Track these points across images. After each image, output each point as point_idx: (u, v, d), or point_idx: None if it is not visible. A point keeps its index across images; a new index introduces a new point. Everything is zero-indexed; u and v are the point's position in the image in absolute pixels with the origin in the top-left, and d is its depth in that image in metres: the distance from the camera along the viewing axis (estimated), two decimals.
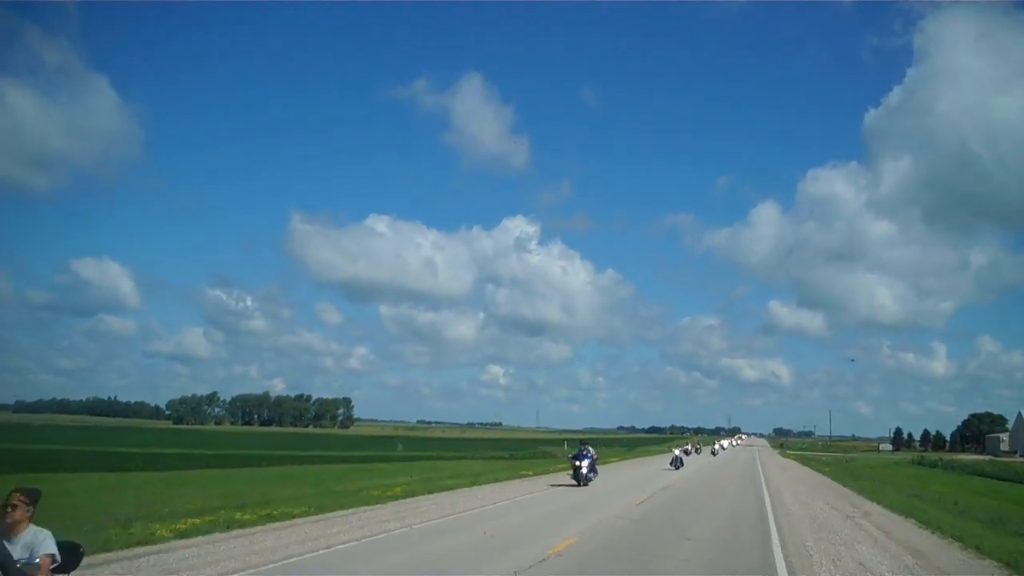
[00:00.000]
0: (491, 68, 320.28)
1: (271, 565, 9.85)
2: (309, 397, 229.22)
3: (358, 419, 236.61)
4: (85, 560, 6.45)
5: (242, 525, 13.42)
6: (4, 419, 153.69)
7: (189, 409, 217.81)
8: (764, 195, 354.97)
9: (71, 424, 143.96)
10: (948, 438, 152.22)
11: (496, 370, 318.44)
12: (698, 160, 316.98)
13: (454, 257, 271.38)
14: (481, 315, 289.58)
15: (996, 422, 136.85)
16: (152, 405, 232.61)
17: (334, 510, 16.46)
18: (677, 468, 38.99)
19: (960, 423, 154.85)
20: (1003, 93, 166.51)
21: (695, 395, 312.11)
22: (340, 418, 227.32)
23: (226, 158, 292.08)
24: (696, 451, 70.02)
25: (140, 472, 31.49)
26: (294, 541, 11.80)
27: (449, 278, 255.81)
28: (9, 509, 5.65)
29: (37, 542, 5.62)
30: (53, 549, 5.68)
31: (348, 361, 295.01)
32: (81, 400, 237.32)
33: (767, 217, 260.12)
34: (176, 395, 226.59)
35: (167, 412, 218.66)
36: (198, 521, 13.21)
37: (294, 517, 14.95)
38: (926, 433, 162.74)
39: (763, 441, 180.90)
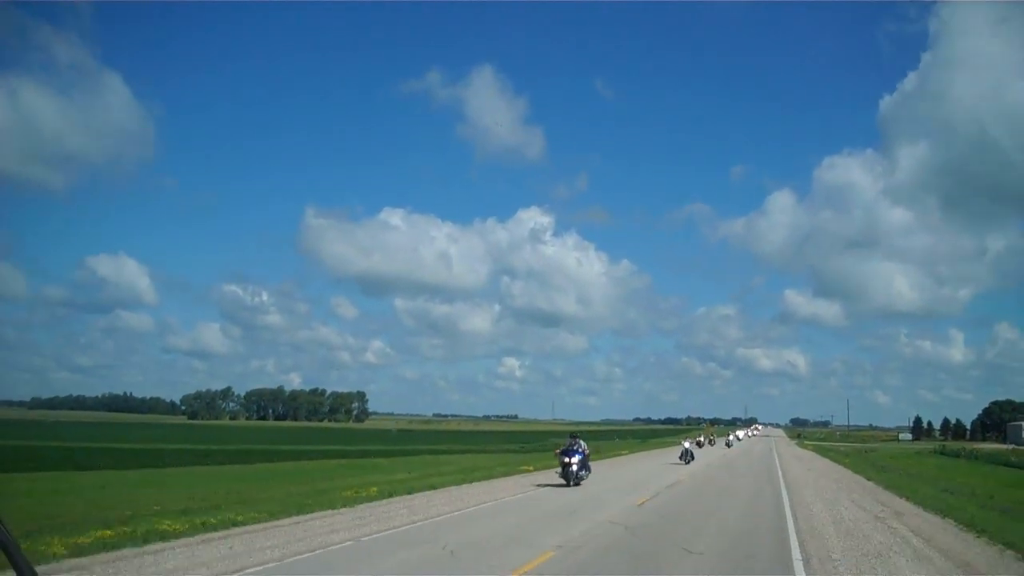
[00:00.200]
0: (504, 60, 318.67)
1: None
2: (324, 391, 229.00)
3: (373, 413, 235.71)
4: None
5: (164, 537, 11.40)
6: (19, 415, 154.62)
7: (204, 404, 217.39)
8: (779, 184, 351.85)
9: (84, 420, 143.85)
10: (968, 427, 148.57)
11: (512, 362, 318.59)
12: (713, 150, 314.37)
13: (469, 249, 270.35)
14: (496, 307, 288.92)
15: (1017, 410, 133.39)
16: (168, 401, 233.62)
17: (289, 515, 14.48)
18: (687, 462, 36.41)
19: (980, 411, 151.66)
20: (1020, 77, 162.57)
21: (711, 385, 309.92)
22: (355, 412, 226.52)
23: (240, 154, 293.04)
24: (710, 442, 67.14)
25: (125, 471, 30.00)
26: (203, 561, 9.69)
27: (464, 271, 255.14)
28: None
29: None
30: None
31: (364, 355, 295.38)
32: (97, 396, 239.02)
33: (783, 206, 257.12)
34: (192, 391, 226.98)
35: (182, 408, 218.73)
36: (109, 533, 11.20)
37: (236, 525, 13.02)
38: (946, 422, 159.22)
39: (780, 431, 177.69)
